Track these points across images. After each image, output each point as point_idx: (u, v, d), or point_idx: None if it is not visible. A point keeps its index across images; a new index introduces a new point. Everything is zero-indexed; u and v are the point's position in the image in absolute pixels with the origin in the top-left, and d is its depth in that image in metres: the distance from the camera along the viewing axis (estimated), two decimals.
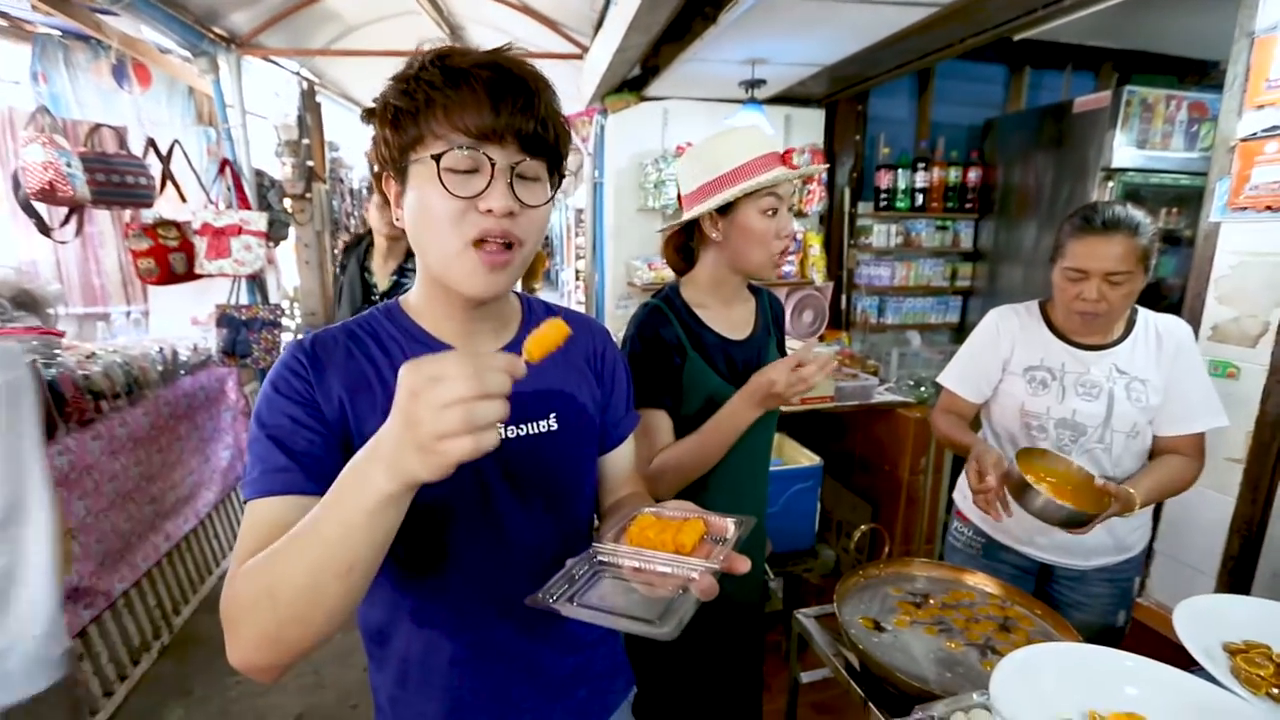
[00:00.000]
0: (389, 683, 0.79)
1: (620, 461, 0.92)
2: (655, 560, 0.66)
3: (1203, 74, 3.21)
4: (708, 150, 1.17)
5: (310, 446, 0.65)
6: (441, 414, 0.47)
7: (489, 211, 0.64)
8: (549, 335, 0.59)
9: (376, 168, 0.71)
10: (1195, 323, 1.55)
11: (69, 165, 2.29)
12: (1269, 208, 1.39)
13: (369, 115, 0.69)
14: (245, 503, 0.64)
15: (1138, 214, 1.26)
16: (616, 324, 3.23)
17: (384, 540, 0.53)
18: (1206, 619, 0.98)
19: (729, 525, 0.71)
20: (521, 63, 0.67)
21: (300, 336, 0.72)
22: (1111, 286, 1.25)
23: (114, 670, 2.09)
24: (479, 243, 0.65)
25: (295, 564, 0.53)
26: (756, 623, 1.40)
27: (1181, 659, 0.88)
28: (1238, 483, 1.46)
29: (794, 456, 2.26)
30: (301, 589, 0.52)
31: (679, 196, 1.24)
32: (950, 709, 0.76)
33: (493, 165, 0.64)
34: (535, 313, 0.84)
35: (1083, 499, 1.22)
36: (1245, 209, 1.44)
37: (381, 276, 2.56)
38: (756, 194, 1.13)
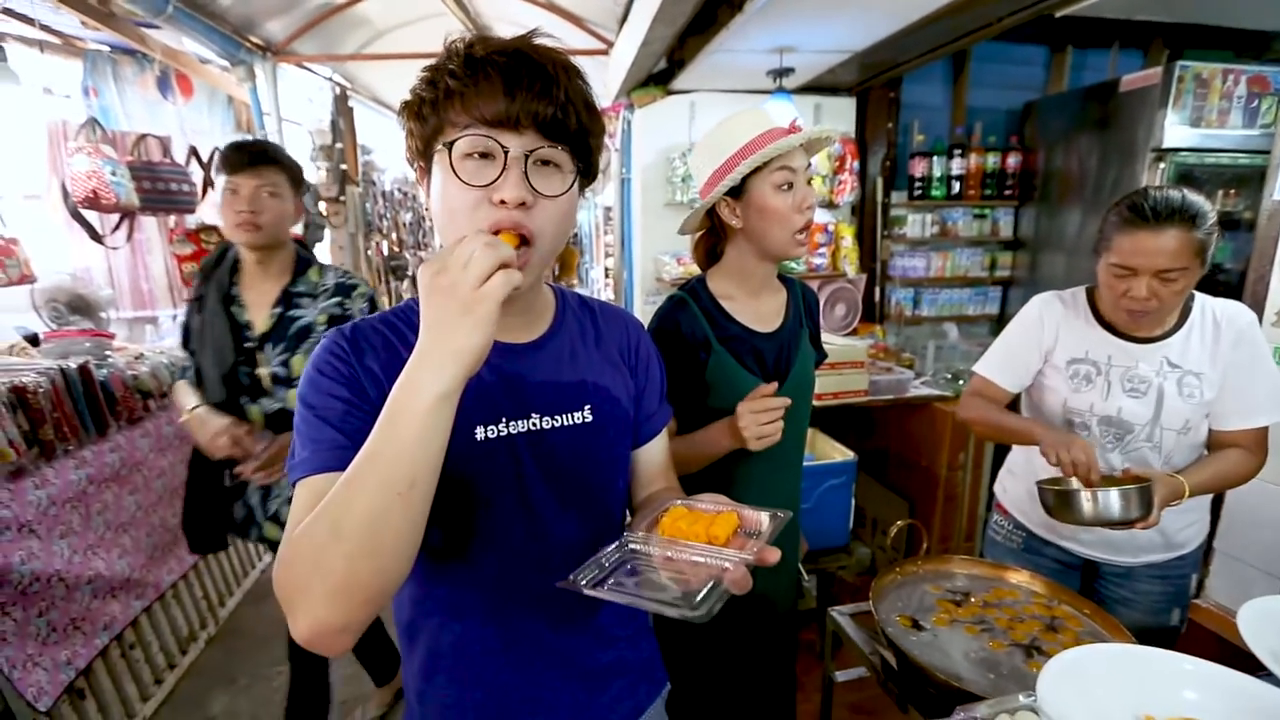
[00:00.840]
0: (417, 676, 0.79)
1: (653, 456, 0.91)
2: (687, 551, 0.65)
3: (1263, 48, 3.03)
4: (713, 138, 1.15)
5: (361, 424, 0.63)
6: (468, 268, 0.52)
7: (502, 202, 0.62)
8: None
9: (408, 155, 0.71)
10: (1259, 307, 1.46)
11: (114, 174, 2.39)
12: None
13: (401, 110, 0.69)
14: (294, 484, 0.63)
15: (1194, 201, 1.14)
16: (645, 320, 3.21)
17: (439, 449, 0.55)
18: (1274, 620, 0.92)
19: (763, 519, 0.69)
20: (543, 48, 0.65)
21: (338, 326, 0.73)
22: (1164, 284, 1.15)
23: (164, 659, 2.18)
24: (494, 235, 0.63)
25: (357, 494, 0.53)
26: (790, 621, 1.38)
27: (1244, 663, 0.83)
28: None
29: (827, 452, 2.21)
30: (366, 517, 0.52)
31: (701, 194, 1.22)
32: (995, 710, 0.73)
33: (506, 153, 0.62)
34: (569, 305, 0.83)
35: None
36: None
37: (258, 310, 1.55)
38: (767, 169, 1.10)
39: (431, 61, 0.66)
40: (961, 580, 1.25)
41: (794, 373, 1.23)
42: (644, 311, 3.25)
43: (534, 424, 0.74)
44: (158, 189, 2.71)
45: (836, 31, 2.24)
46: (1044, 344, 1.36)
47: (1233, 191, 2.59)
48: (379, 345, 0.70)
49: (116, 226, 2.73)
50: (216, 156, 1.90)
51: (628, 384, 0.84)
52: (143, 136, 2.79)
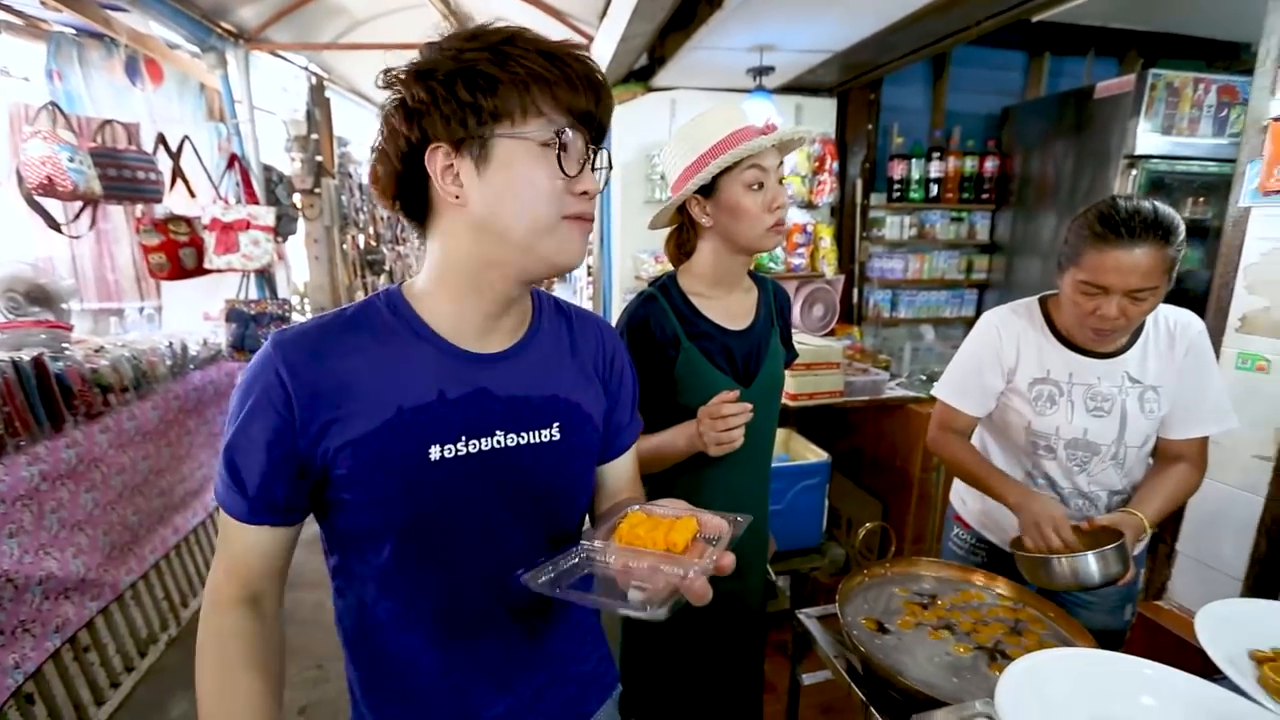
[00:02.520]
0: (359, 685, 0.78)
1: (621, 470, 0.89)
2: (646, 559, 0.63)
3: (1233, 58, 3.08)
4: (685, 134, 1.14)
5: (262, 477, 0.65)
6: None
7: (584, 193, 0.66)
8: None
9: (415, 136, 0.63)
10: (1223, 314, 1.48)
11: (71, 160, 2.31)
12: None
13: (418, 77, 0.62)
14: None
15: (1167, 214, 1.08)
16: None
17: None
18: (1232, 625, 0.93)
19: (723, 524, 0.67)
20: (590, 56, 0.68)
21: (287, 332, 0.67)
22: (1134, 303, 1.10)
23: (120, 662, 2.11)
24: (575, 218, 0.67)
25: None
26: (758, 621, 1.37)
27: (1204, 667, 0.83)
28: (1267, 481, 1.39)
29: (801, 452, 2.21)
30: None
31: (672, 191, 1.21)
32: (950, 718, 0.72)
33: (590, 149, 0.66)
34: (546, 310, 0.81)
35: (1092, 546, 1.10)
36: (1277, 193, 1.37)
37: None
38: (738, 168, 1.09)
39: (448, 39, 0.63)
40: (929, 583, 1.25)
41: (763, 371, 1.22)
42: (622, 309, 3.23)
43: (498, 441, 0.71)
44: (124, 177, 2.63)
45: (817, 31, 2.24)
46: (1006, 363, 1.30)
47: (1202, 199, 2.63)
48: (327, 364, 0.65)
49: (78, 215, 2.64)
50: None
51: (599, 399, 0.81)
52: (107, 122, 2.70)
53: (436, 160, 0.64)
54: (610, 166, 0.72)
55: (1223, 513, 1.46)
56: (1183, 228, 1.09)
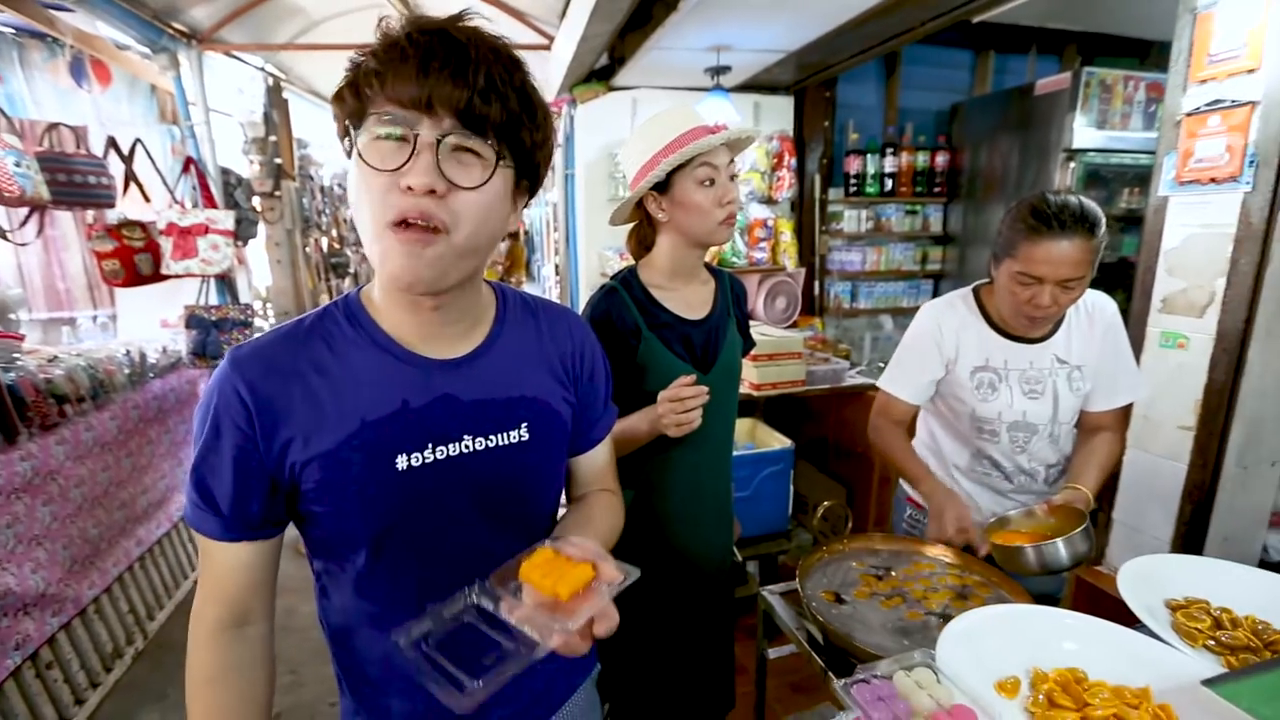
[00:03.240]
0: (353, 678, 0.79)
1: (594, 460, 0.89)
2: (525, 604, 0.61)
3: (1163, 56, 3.26)
4: (641, 133, 1.19)
5: (234, 493, 0.65)
6: None
7: (409, 189, 0.58)
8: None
9: (346, 152, 0.65)
10: (1147, 296, 1.58)
11: (18, 165, 2.24)
12: (1213, 180, 1.42)
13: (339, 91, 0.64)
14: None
15: (1092, 208, 1.17)
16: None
17: None
18: (1150, 579, 1.02)
19: (617, 575, 0.63)
20: (471, 29, 0.61)
21: (243, 349, 0.66)
22: (1064, 291, 1.19)
23: (85, 678, 2.07)
24: (400, 224, 0.59)
25: None
26: (725, 601, 1.42)
27: (1133, 619, 0.91)
28: (1189, 450, 1.50)
29: (765, 440, 2.28)
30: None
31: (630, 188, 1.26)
32: (894, 667, 0.78)
33: (416, 137, 0.58)
34: (510, 306, 0.79)
35: (1060, 529, 1.19)
36: (1191, 182, 1.47)
37: None
38: (690, 165, 1.15)
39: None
40: (884, 556, 1.32)
41: (721, 358, 1.28)
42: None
43: (465, 446, 0.71)
44: (74, 182, 2.55)
45: (770, 32, 2.31)
46: (945, 353, 1.36)
47: (1136, 190, 2.78)
48: (285, 381, 0.65)
49: (24, 221, 2.56)
50: None
51: (568, 395, 0.81)
52: (53, 126, 2.62)
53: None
54: (520, 162, 0.65)
55: (1151, 481, 1.57)
56: (1104, 220, 1.19)
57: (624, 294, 1.22)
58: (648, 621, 1.30)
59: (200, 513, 0.66)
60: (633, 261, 1.33)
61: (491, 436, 0.72)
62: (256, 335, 0.69)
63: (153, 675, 2.25)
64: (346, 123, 0.62)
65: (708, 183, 1.15)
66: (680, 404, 1.07)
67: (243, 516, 0.66)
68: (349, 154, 0.62)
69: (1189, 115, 1.46)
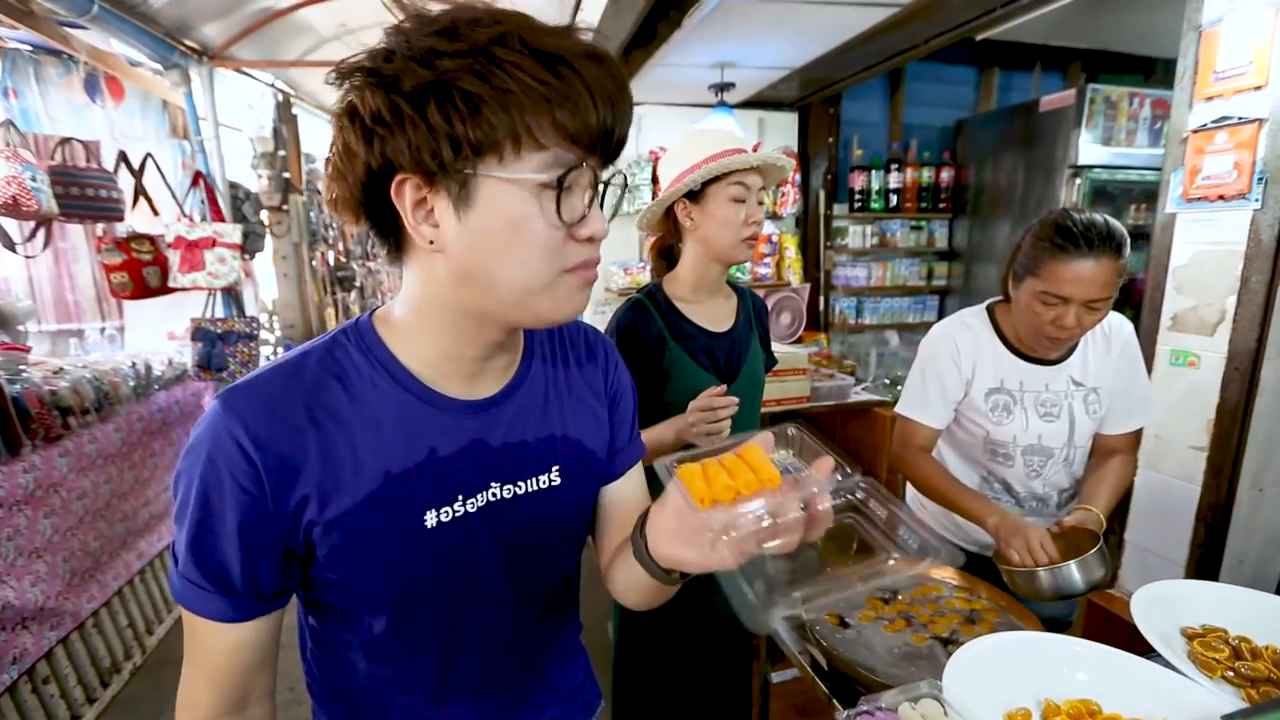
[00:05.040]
0: None
1: (628, 494, 0.76)
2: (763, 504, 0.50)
3: (1168, 72, 3.27)
4: (682, 147, 1.25)
5: (257, 581, 0.56)
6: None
7: (588, 239, 0.53)
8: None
9: (375, 162, 0.50)
10: (1156, 314, 1.57)
11: (34, 180, 2.27)
12: (1221, 197, 1.41)
13: (380, 85, 0.48)
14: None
15: (1118, 227, 1.14)
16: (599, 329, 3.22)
17: None
18: (1165, 605, 0.99)
19: (765, 440, 0.55)
20: (603, 48, 0.50)
21: (240, 388, 0.55)
22: (1090, 312, 1.14)
23: (82, 693, 2.05)
24: (576, 267, 0.55)
25: None
26: (743, 629, 1.41)
27: (1147, 647, 0.88)
28: (1202, 471, 1.47)
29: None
30: None
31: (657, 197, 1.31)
32: (898, 699, 0.75)
33: (596, 184, 0.53)
34: (537, 338, 0.70)
35: (1072, 551, 1.16)
36: (1199, 199, 1.46)
37: None
38: (724, 181, 1.19)
39: (408, 20, 0.50)
40: (889, 577, 1.29)
41: (744, 371, 1.31)
42: (593, 321, 3.26)
43: (493, 495, 0.63)
44: (86, 195, 2.58)
45: (773, 49, 2.32)
46: (964, 373, 1.31)
47: (1143, 206, 2.77)
48: (298, 425, 0.55)
49: (32, 234, 2.59)
50: None
51: (602, 427, 0.73)
52: (66, 140, 2.66)
53: (405, 195, 0.51)
54: (626, 185, 0.61)
55: (1163, 503, 1.54)
56: (1129, 240, 1.16)
57: (649, 306, 1.26)
58: (666, 640, 1.30)
59: (199, 593, 0.55)
60: (638, 276, 1.35)
61: (520, 482, 0.65)
62: (252, 372, 0.58)
63: (151, 691, 2.22)
64: (458, 145, 0.48)
65: (738, 200, 1.19)
66: (711, 414, 1.09)
67: (254, 591, 0.56)
68: (448, 182, 0.50)
69: (1195, 132, 1.45)
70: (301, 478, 0.55)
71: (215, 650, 0.57)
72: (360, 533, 0.57)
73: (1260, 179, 1.34)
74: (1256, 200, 1.35)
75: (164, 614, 2.58)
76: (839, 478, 0.53)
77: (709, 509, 0.49)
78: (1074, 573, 1.11)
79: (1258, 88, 1.34)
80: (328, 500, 0.56)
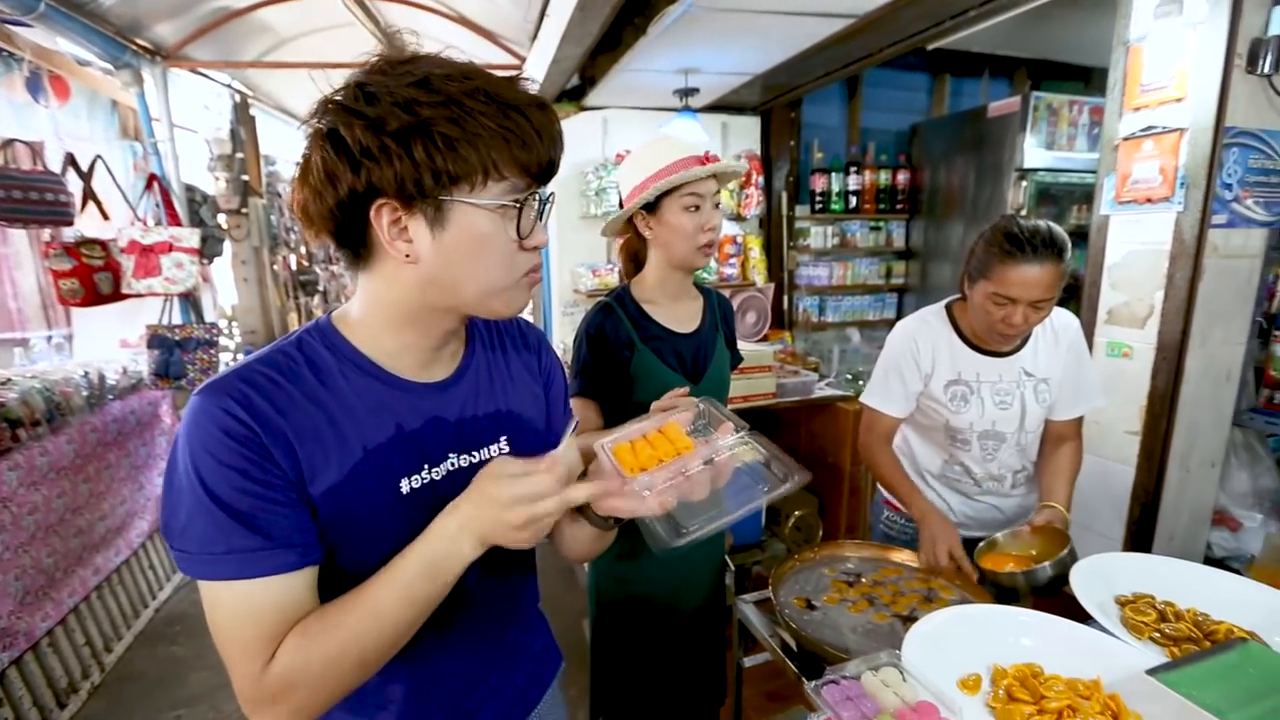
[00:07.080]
0: (339, 710, 0.74)
1: (565, 458, 0.88)
2: (671, 470, 0.65)
3: (1105, 81, 3.46)
4: (639, 156, 1.27)
5: (286, 521, 0.60)
6: (539, 506, 0.60)
7: (535, 248, 0.66)
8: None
9: (360, 186, 0.58)
10: (1093, 309, 1.68)
11: None
12: (1148, 200, 1.53)
13: (367, 127, 0.57)
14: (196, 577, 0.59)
15: (1059, 234, 1.25)
16: (564, 331, 3.24)
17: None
18: (1101, 576, 1.08)
19: (689, 411, 0.74)
20: (546, 98, 0.68)
21: (219, 378, 0.61)
22: (1035, 310, 1.26)
23: (37, 715, 1.98)
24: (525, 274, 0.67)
25: (390, 630, 0.61)
26: (717, 613, 1.45)
27: (1086, 614, 0.96)
28: (1136, 453, 1.59)
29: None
30: (395, 646, 0.62)
31: (620, 202, 1.33)
32: (861, 668, 0.81)
33: (542, 203, 0.65)
34: (477, 327, 0.81)
35: (1044, 548, 1.27)
36: (1129, 202, 1.57)
37: None
38: (678, 192, 1.22)
39: (387, 69, 0.59)
40: (853, 562, 1.36)
41: (710, 370, 1.34)
42: (562, 322, 3.28)
43: (451, 464, 0.72)
44: (30, 199, 2.48)
45: (736, 55, 2.38)
46: (923, 368, 1.42)
47: (1084, 207, 2.93)
48: (283, 402, 0.62)
49: None
50: None
51: (539, 402, 0.84)
52: (8, 142, 2.55)
53: (383, 215, 0.60)
54: (552, 201, 0.71)
55: (1102, 484, 1.65)
56: (1070, 245, 1.26)
57: (618, 309, 1.29)
58: (640, 636, 1.33)
59: (238, 556, 0.57)
60: (607, 277, 1.38)
61: (474, 452, 0.74)
62: (223, 369, 0.65)
63: (110, 710, 2.16)
64: (434, 173, 0.58)
65: (693, 209, 1.23)
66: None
67: (301, 531, 0.61)
68: (424, 206, 0.59)
69: (1125, 140, 1.56)
70: (295, 451, 0.61)
71: (264, 618, 0.59)
72: (350, 499, 0.64)
73: (1182, 183, 1.46)
74: (1179, 203, 1.47)
75: (123, 631, 2.50)
76: (740, 435, 0.68)
77: (635, 476, 0.65)
78: (1049, 573, 1.19)
79: (1179, 100, 1.46)
80: (317, 474, 0.62)
